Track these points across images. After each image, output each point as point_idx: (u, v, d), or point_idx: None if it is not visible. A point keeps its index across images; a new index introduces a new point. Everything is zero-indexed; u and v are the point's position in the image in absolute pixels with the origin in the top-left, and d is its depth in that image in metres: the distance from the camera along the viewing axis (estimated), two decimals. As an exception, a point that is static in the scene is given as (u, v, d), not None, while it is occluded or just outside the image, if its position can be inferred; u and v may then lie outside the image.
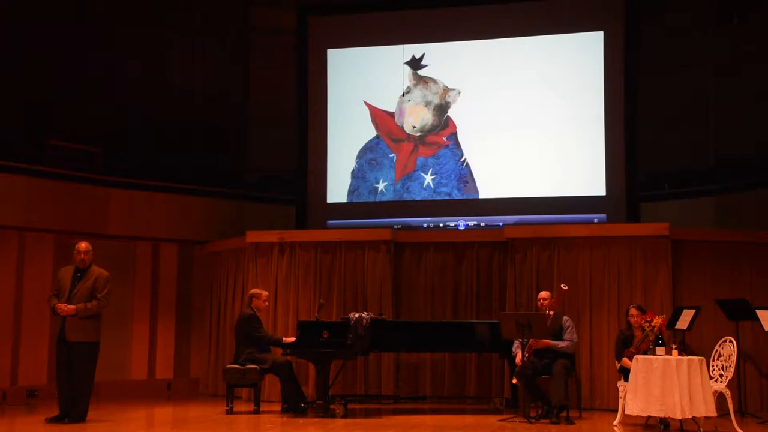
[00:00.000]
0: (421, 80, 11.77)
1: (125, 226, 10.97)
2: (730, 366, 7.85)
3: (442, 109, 11.73)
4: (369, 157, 11.90)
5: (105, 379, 10.04)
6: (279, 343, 9.04)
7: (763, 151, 10.49)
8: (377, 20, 12.23)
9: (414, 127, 11.80)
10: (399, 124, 11.85)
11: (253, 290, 9.40)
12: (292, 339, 8.96)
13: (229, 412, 8.77)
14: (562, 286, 8.57)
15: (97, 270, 8.01)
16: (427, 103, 11.77)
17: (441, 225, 11.42)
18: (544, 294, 8.69)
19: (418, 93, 11.81)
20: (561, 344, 8.41)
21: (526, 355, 8.25)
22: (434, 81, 11.71)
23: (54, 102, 10.88)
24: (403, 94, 11.86)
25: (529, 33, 11.59)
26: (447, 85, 11.71)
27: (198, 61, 12.34)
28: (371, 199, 11.82)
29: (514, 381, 8.47)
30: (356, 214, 11.77)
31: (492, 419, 8.32)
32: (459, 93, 11.55)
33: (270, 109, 12.49)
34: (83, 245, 8.02)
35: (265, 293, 9.34)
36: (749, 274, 9.50)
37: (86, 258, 7.97)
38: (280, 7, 12.67)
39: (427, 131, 11.75)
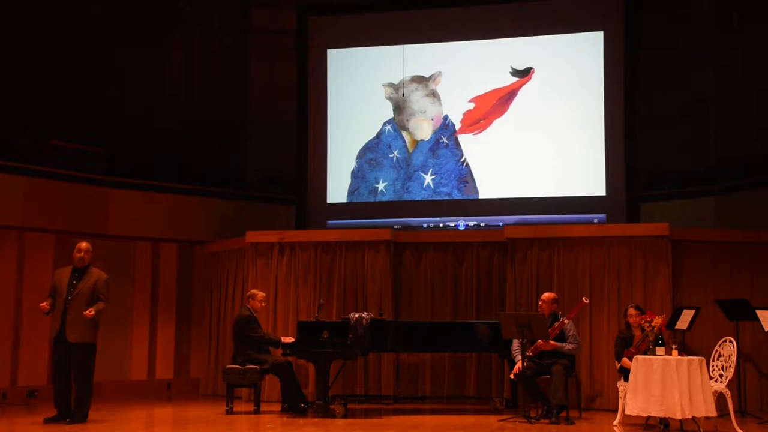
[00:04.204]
0: (412, 80, 11.78)
1: (125, 226, 10.97)
2: (730, 366, 7.85)
3: (435, 95, 11.72)
4: (369, 157, 11.90)
5: (105, 379, 10.07)
6: (277, 344, 9.05)
7: (763, 151, 10.49)
8: (377, 20, 12.23)
9: (423, 140, 11.82)
10: (397, 122, 11.88)
11: (250, 291, 9.41)
12: (291, 339, 8.97)
13: (229, 412, 8.77)
14: (583, 299, 8.58)
15: (96, 271, 8.01)
16: (424, 105, 11.76)
17: (441, 225, 11.42)
18: (546, 296, 8.69)
19: (414, 91, 11.80)
20: (567, 346, 8.41)
21: (529, 353, 8.26)
22: (421, 76, 11.72)
23: (54, 102, 10.89)
24: (400, 93, 11.86)
25: (529, 33, 11.59)
26: (442, 80, 11.71)
27: (198, 61, 12.35)
28: (371, 199, 11.83)
29: (512, 376, 8.48)
30: (356, 214, 11.76)
31: (492, 419, 8.32)
32: (440, 73, 11.54)
33: (270, 109, 12.49)
34: (84, 244, 8.02)
35: (261, 294, 9.34)
36: (749, 275, 9.51)
37: (86, 257, 7.96)
38: (280, 7, 12.67)
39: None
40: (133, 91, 11.60)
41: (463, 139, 11.62)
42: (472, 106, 11.61)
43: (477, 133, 11.48)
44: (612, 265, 9.48)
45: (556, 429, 7.72)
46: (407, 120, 11.81)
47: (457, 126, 11.65)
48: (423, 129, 11.78)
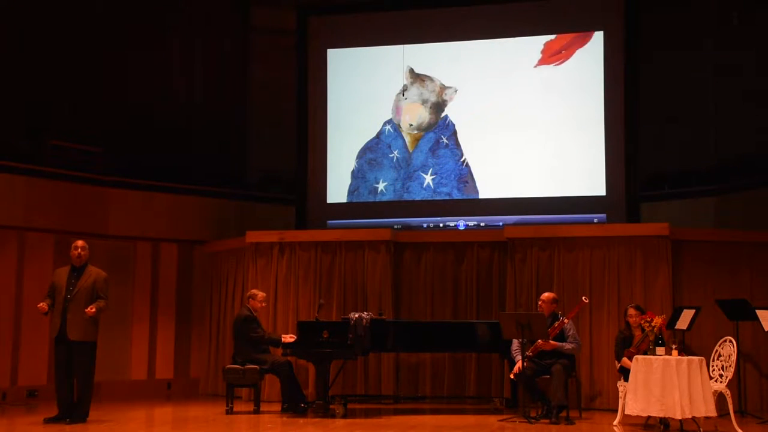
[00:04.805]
0: (418, 78, 11.78)
1: (125, 226, 10.98)
2: (730, 366, 7.85)
3: (438, 107, 11.74)
4: (369, 157, 11.90)
5: (105, 379, 10.06)
6: (277, 343, 9.06)
7: (763, 151, 10.49)
8: (377, 20, 12.23)
9: (411, 125, 11.82)
10: (396, 122, 11.86)
11: (250, 291, 9.42)
12: (291, 337, 8.96)
13: (229, 412, 8.77)
14: (583, 299, 8.58)
15: (94, 270, 8.01)
16: (424, 101, 11.78)
17: (441, 225, 11.42)
18: (546, 296, 8.68)
19: (414, 91, 11.82)
20: (567, 346, 8.41)
21: (529, 353, 8.26)
22: (431, 79, 11.72)
23: (54, 102, 10.89)
24: (400, 93, 11.86)
25: (529, 33, 11.59)
26: (443, 83, 11.72)
27: (198, 61, 12.35)
28: (371, 199, 11.82)
29: (512, 376, 8.48)
30: (356, 214, 11.76)
31: (492, 419, 8.32)
32: (456, 91, 11.55)
33: (270, 109, 12.49)
34: (80, 242, 8.03)
35: (261, 294, 9.35)
36: (749, 274, 9.51)
37: (83, 254, 7.96)
38: (280, 7, 12.67)
39: (425, 129, 11.77)
40: (133, 91, 11.59)
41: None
42: (553, 36, 11.51)
43: (558, 64, 11.35)
44: (612, 265, 9.48)
45: (556, 429, 7.72)
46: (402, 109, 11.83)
47: (536, 59, 11.44)
48: (416, 114, 11.76)
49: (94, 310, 7.74)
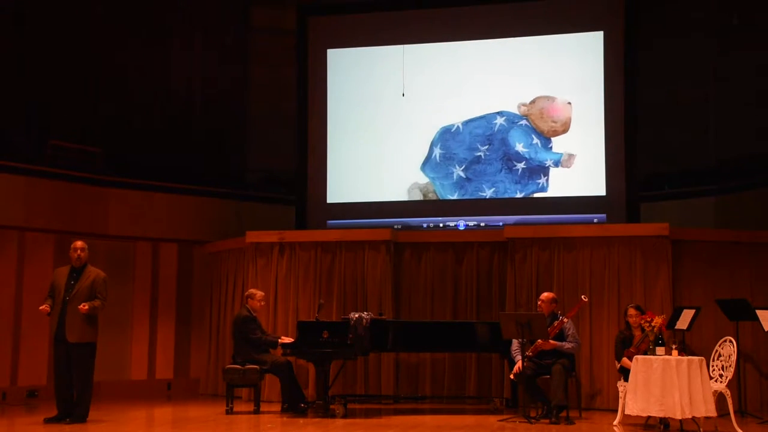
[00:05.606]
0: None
1: (125, 226, 10.99)
2: (730, 366, 7.85)
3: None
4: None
5: (105, 379, 10.07)
6: (275, 345, 9.06)
7: (763, 151, 10.49)
8: (377, 20, 12.21)
9: None
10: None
11: (249, 291, 9.42)
12: (289, 340, 8.97)
13: (229, 412, 8.77)
14: (582, 297, 8.58)
15: (93, 270, 8.01)
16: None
17: (441, 225, 11.41)
18: (545, 295, 8.69)
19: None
20: (567, 345, 8.41)
21: (529, 353, 8.26)
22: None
23: (54, 102, 10.89)
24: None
25: (529, 33, 11.57)
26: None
27: (198, 61, 12.36)
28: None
29: (512, 376, 8.48)
30: (356, 214, 11.74)
31: (492, 419, 8.32)
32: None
33: (270, 109, 12.50)
34: (79, 243, 8.03)
35: (260, 294, 9.35)
36: (749, 274, 9.51)
37: (82, 256, 7.96)
38: (280, 7, 12.68)
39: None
40: (133, 91, 11.61)
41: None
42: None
43: None
44: (612, 265, 9.48)
45: (556, 429, 7.72)
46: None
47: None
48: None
49: (87, 307, 7.72)
